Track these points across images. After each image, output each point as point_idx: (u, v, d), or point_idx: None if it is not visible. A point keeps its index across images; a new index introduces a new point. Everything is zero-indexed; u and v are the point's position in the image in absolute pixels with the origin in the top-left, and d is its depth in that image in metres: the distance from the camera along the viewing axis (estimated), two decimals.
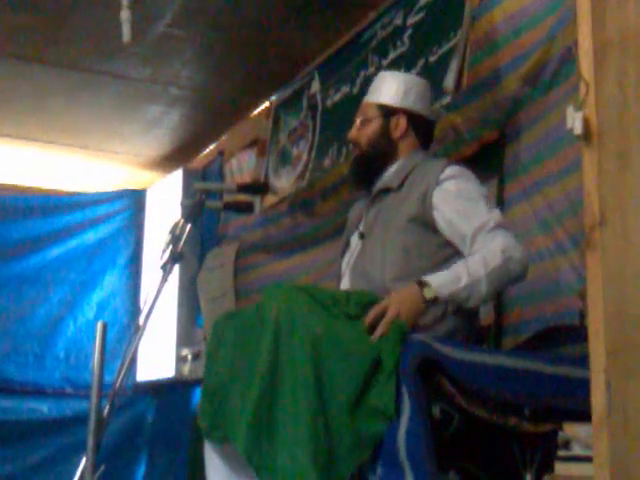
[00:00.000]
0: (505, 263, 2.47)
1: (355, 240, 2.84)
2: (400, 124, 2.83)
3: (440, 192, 2.63)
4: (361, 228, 2.82)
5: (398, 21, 3.82)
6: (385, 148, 2.83)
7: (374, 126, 2.84)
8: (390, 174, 2.80)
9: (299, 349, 2.26)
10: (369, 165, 2.86)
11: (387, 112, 2.83)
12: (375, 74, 3.79)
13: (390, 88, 2.85)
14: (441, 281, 2.45)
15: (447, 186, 2.64)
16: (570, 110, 1.89)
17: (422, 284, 2.43)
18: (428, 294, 2.42)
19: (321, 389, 2.23)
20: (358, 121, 2.89)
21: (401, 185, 2.73)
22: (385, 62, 3.86)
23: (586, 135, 1.87)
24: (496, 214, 2.59)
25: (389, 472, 2.19)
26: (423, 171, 2.70)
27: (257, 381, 2.27)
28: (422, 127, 2.88)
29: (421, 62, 3.56)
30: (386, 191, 2.78)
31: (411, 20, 3.72)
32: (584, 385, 1.85)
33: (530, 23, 3.19)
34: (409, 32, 3.72)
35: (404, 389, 2.22)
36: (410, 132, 2.84)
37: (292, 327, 2.28)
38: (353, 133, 2.90)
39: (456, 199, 2.62)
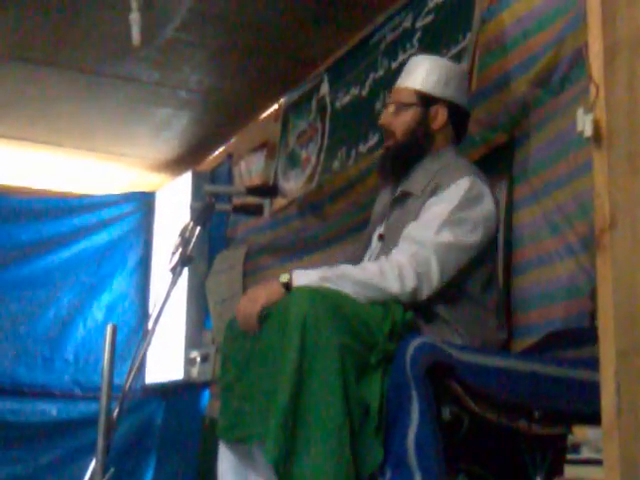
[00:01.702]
0: (379, 286, 2.42)
1: (375, 240, 2.79)
2: (440, 115, 2.70)
3: (433, 198, 2.58)
4: (382, 230, 2.76)
5: (407, 24, 3.82)
6: (422, 139, 2.70)
7: (413, 114, 2.70)
8: (415, 175, 2.68)
9: (328, 357, 2.25)
10: (402, 156, 2.71)
11: (427, 101, 2.70)
12: (384, 77, 3.82)
13: (430, 74, 2.71)
14: (304, 271, 2.47)
15: (441, 192, 2.57)
16: (580, 112, 1.89)
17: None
18: (283, 278, 2.44)
19: (347, 398, 2.23)
20: (392, 107, 2.74)
21: (422, 191, 2.63)
22: (394, 64, 3.86)
23: (596, 137, 1.87)
24: (439, 238, 2.48)
25: (398, 475, 2.19)
26: (444, 178, 2.59)
27: (284, 387, 2.24)
28: (460, 119, 2.77)
29: None
30: (408, 194, 2.68)
31: (420, 23, 3.71)
32: (594, 387, 1.84)
33: (539, 25, 3.19)
34: (418, 35, 3.71)
35: (413, 392, 2.22)
36: (448, 124, 2.73)
37: (319, 334, 2.26)
38: (387, 119, 2.74)
39: (432, 205, 2.56)
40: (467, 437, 2.33)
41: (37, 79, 5.13)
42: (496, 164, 3.36)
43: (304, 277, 2.45)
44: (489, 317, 2.63)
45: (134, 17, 4.15)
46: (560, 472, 2.29)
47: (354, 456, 2.21)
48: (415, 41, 3.72)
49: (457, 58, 3.34)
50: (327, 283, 2.41)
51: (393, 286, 2.42)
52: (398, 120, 2.72)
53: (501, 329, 2.68)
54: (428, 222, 2.53)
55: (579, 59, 2.91)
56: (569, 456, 2.28)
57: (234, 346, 2.57)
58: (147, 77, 5.09)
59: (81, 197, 6.56)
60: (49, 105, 5.47)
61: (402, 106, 2.72)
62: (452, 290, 2.55)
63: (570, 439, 2.30)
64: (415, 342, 2.30)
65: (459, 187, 2.55)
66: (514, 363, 2.47)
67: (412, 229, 2.55)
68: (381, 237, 2.74)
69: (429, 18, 3.65)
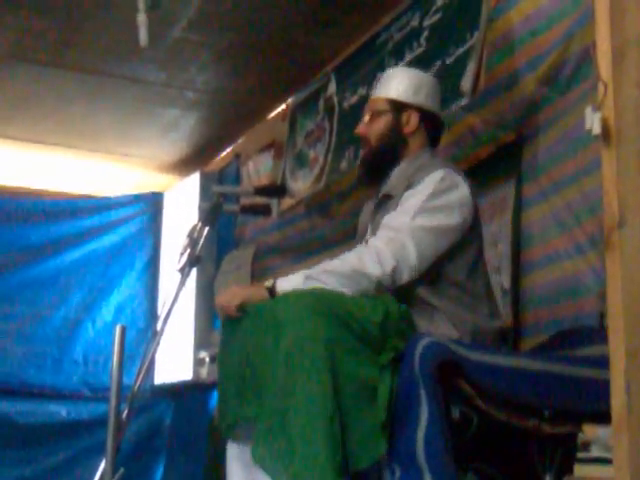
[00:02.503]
0: (361, 272, 2.46)
1: None
2: (411, 120, 2.78)
3: (408, 191, 2.64)
4: (368, 235, 2.80)
5: (415, 23, 3.81)
6: (395, 143, 2.78)
7: (385, 120, 2.80)
8: (394, 177, 2.76)
9: (315, 352, 2.26)
10: (378, 162, 2.80)
11: (398, 107, 2.79)
12: None
13: (400, 83, 2.81)
14: (287, 277, 2.51)
15: (416, 186, 2.62)
16: (589, 111, 1.89)
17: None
18: (267, 283, 2.49)
19: (337, 388, 2.24)
20: (367, 117, 2.84)
21: (402, 191, 2.68)
22: (402, 64, 3.85)
23: (605, 135, 1.87)
24: (415, 223, 2.54)
25: (408, 474, 2.20)
26: (419, 175, 2.66)
27: (271, 386, 2.28)
28: (432, 124, 2.84)
29: (438, 64, 3.54)
30: (388, 197, 2.74)
31: (428, 22, 3.71)
32: (604, 386, 1.84)
33: (547, 24, 3.18)
34: (426, 34, 3.71)
35: (422, 391, 2.22)
36: (421, 129, 2.80)
37: (304, 330, 2.29)
38: (362, 128, 2.85)
39: (407, 198, 2.61)
40: (476, 436, 2.33)
41: (45, 80, 5.14)
42: (504, 163, 3.36)
43: (288, 282, 2.49)
44: (478, 304, 2.65)
45: (141, 18, 4.15)
46: (570, 471, 2.29)
47: (351, 448, 2.22)
48: (422, 40, 3.72)
49: (464, 57, 3.34)
50: (311, 281, 2.45)
51: (374, 270, 2.46)
52: (372, 127, 2.82)
53: (494, 316, 2.70)
54: (404, 211, 2.59)
55: (587, 57, 2.91)
56: (579, 455, 2.28)
57: (227, 348, 2.58)
58: (154, 78, 5.10)
59: (89, 198, 6.57)
60: (57, 106, 5.48)
61: (375, 115, 2.82)
62: (437, 277, 2.59)
63: (580, 438, 2.30)
64: (424, 341, 2.31)
65: (432, 178, 2.62)
66: (524, 362, 2.47)
67: (387, 219, 2.62)
68: (367, 242, 2.75)
69: (437, 17, 3.65)
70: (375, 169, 2.82)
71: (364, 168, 2.88)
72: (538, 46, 3.20)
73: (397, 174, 2.76)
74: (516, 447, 2.46)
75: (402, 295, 2.51)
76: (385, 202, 2.75)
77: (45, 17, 4.42)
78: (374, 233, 2.70)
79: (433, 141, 2.86)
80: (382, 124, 2.80)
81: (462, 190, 2.63)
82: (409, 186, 2.64)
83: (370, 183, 2.89)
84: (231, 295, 2.50)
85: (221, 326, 2.65)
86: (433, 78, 2.96)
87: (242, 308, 2.46)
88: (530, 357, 2.61)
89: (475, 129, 3.46)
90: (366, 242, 2.69)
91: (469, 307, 2.61)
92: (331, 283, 2.44)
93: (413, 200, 2.59)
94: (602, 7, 1.92)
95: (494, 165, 3.42)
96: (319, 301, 2.35)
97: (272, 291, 2.46)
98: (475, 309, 2.63)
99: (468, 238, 2.65)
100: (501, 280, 3.27)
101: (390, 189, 2.74)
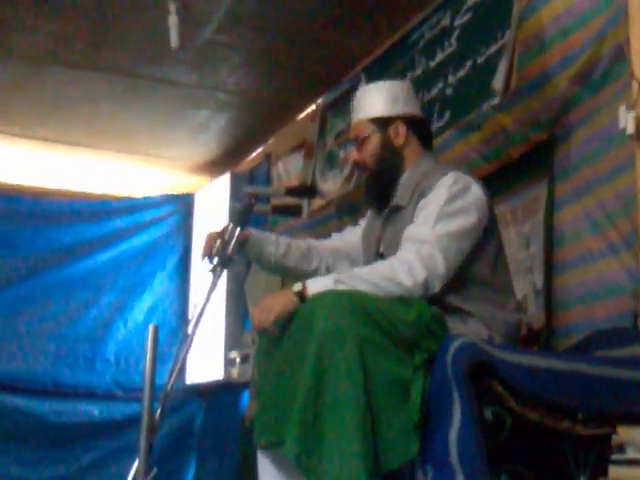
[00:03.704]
0: (393, 281, 2.46)
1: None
2: (400, 131, 2.77)
3: (422, 200, 2.63)
4: (381, 249, 2.78)
5: (446, 22, 3.80)
6: (392, 160, 2.77)
7: (374, 141, 2.78)
8: (401, 188, 2.75)
9: (346, 350, 2.26)
10: (382, 182, 2.78)
11: (382, 123, 2.78)
12: (422, 76, 3.81)
13: (376, 100, 2.79)
14: (317, 279, 2.51)
15: (428, 193, 2.62)
16: (622, 109, 1.88)
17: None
18: (296, 288, 2.46)
19: (368, 387, 2.24)
20: (354, 145, 2.83)
21: (410, 200, 2.68)
22: (432, 63, 3.84)
23: (638, 134, 1.86)
24: (437, 230, 2.53)
25: (440, 474, 2.19)
26: (428, 182, 2.65)
27: (303, 385, 2.28)
28: (420, 127, 2.84)
29: (469, 63, 3.53)
30: (398, 208, 2.73)
31: (459, 21, 3.69)
32: (639, 387, 1.83)
33: (579, 22, 3.16)
34: (457, 33, 3.69)
35: (455, 392, 2.22)
36: (411, 136, 2.79)
37: (337, 328, 2.28)
38: (354, 156, 2.84)
39: (423, 207, 2.61)
40: (509, 437, 2.32)
41: (76, 82, 5.18)
42: (537, 162, 3.34)
43: (317, 284, 2.48)
44: (504, 298, 2.65)
45: (172, 20, 4.18)
46: (604, 473, 2.27)
47: (382, 447, 2.22)
48: (453, 40, 3.70)
49: (496, 56, 3.33)
50: (341, 285, 2.44)
51: (405, 280, 2.46)
52: (364, 152, 2.80)
53: (517, 309, 2.70)
54: (423, 220, 2.58)
55: (620, 55, 2.89)
56: (613, 456, 2.26)
57: (264, 354, 2.61)
58: (185, 79, 5.12)
59: (121, 199, 6.61)
60: (88, 108, 5.52)
61: (363, 139, 2.80)
62: (463, 280, 2.58)
63: (614, 439, 2.27)
64: (456, 342, 2.30)
65: (444, 184, 2.61)
66: (557, 363, 2.45)
67: (410, 230, 2.60)
68: (381, 255, 2.75)
69: (468, 16, 3.63)
70: (380, 189, 2.80)
71: (371, 191, 2.84)
72: (570, 45, 3.18)
73: (403, 184, 2.75)
74: (550, 449, 2.44)
75: (433, 305, 2.49)
76: (395, 213, 2.74)
77: (77, 20, 4.45)
78: (389, 246, 2.70)
79: (426, 143, 2.85)
80: (373, 145, 2.78)
81: (475, 190, 2.63)
82: (421, 195, 2.64)
83: (379, 203, 2.85)
84: (266, 311, 2.47)
85: (257, 338, 2.65)
86: (403, 82, 2.97)
87: (279, 322, 2.46)
88: (564, 358, 2.59)
89: (507, 129, 3.45)
90: (380, 257, 2.70)
91: (497, 304, 2.62)
92: (361, 287, 2.44)
93: (430, 208, 2.58)
94: (635, 5, 1.90)
95: (526, 165, 3.41)
96: (352, 300, 2.35)
97: (302, 295, 2.46)
98: (503, 305, 2.63)
99: (487, 235, 2.65)
100: (534, 280, 3.26)
101: (399, 200, 2.73)
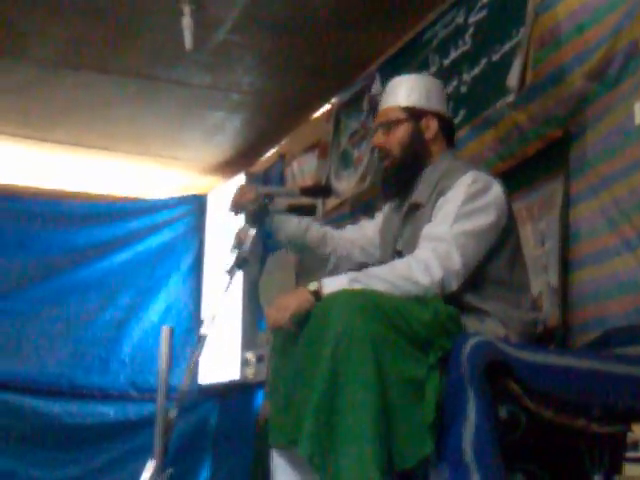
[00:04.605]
0: (410, 280, 2.45)
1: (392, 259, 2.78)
2: (431, 126, 2.76)
3: (441, 199, 2.62)
4: (398, 247, 2.77)
5: (460, 20, 3.79)
6: (419, 152, 2.75)
7: (405, 129, 2.75)
8: (420, 187, 2.72)
9: (361, 347, 2.26)
10: (405, 172, 2.76)
11: (415, 114, 2.76)
12: (437, 74, 3.80)
13: (412, 90, 2.77)
14: (333, 278, 2.49)
15: (447, 192, 2.61)
16: (638, 106, 1.86)
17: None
18: (312, 287, 2.45)
19: (383, 386, 2.24)
20: (381, 129, 2.78)
21: (429, 199, 2.67)
22: (446, 62, 3.83)
23: None
24: (455, 229, 2.52)
25: (456, 473, 2.19)
26: (447, 181, 2.63)
27: (318, 384, 2.28)
28: (447, 127, 2.83)
29: (484, 61, 3.52)
30: (417, 206, 2.71)
31: (473, 18, 3.68)
32: None
33: (594, 18, 3.15)
34: (471, 31, 3.69)
35: (470, 391, 2.21)
36: (439, 133, 2.78)
37: (351, 326, 2.28)
38: (380, 140, 2.79)
39: (442, 206, 2.60)
40: (525, 436, 2.31)
41: (91, 85, 5.19)
42: (552, 159, 3.33)
43: (334, 283, 2.46)
44: (520, 297, 2.64)
45: (186, 22, 4.18)
46: (619, 470, 2.26)
47: (397, 446, 2.22)
48: (468, 37, 3.70)
49: (510, 53, 3.32)
50: (357, 284, 2.43)
51: (422, 279, 2.45)
52: (391, 138, 2.77)
53: (533, 308, 2.70)
54: (442, 219, 2.57)
55: (636, 52, 2.88)
56: (628, 454, 2.24)
57: (279, 354, 2.60)
58: (199, 80, 5.12)
59: (135, 201, 6.64)
60: (103, 110, 5.54)
61: (392, 124, 2.77)
62: (480, 279, 2.57)
63: (630, 437, 2.26)
64: (472, 341, 2.30)
65: (463, 183, 2.59)
66: (572, 360, 2.45)
67: (428, 229, 2.59)
68: (399, 253, 2.75)
69: (482, 14, 3.62)
70: (402, 180, 2.77)
71: (389, 180, 2.81)
72: (585, 41, 3.17)
73: (424, 181, 2.73)
74: (565, 447, 2.43)
75: (450, 304, 2.48)
76: (414, 211, 2.73)
77: (91, 23, 4.46)
78: (407, 244, 2.69)
79: (450, 144, 2.85)
80: (403, 133, 2.76)
81: (495, 189, 2.62)
82: (440, 193, 2.62)
83: (395, 195, 2.84)
84: (282, 309, 2.45)
85: (272, 337, 2.65)
86: (437, 80, 2.95)
87: (295, 321, 2.44)
88: (579, 355, 2.58)
89: (522, 126, 3.43)
90: (398, 255, 2.69)
91: (514, 303, 2.61)
92: (378, 286, 2.43)
93: (449, 207, 2.57)
94: None
95: (541, 162, 3.39)
96: (367, 299, 2.34)
97: (318, 294, 2.45)
98: (519, 304, 2.62)
99: (505, 234, 2.64)
100: (549, 278, 3.24)
101: (417, 198, 2.72)
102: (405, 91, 2.79)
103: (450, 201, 2.58)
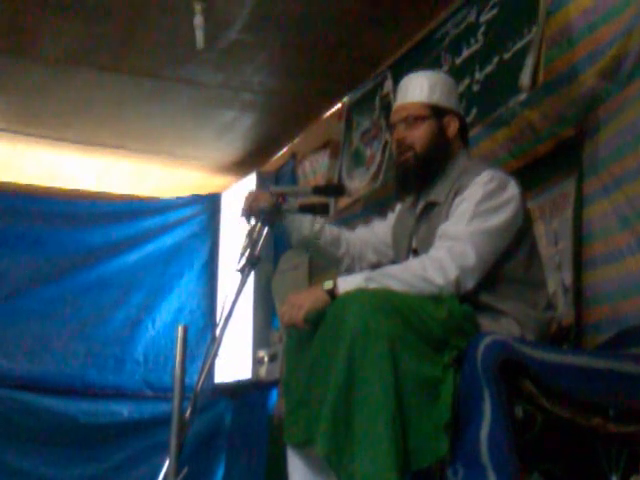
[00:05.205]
0: (424, 279, 2.46)
1: (409, 257, 2.78)
2: (452, 125, 2.75)
3: (457, 198, 2.62)
4: (414, 245, 2.77)
5: (471, 18, 3.78)
6: (441, 150, 2.73)
7: (429, 126, 2.73)
8: (437, 185, 2.71)
9: (377, 346, 2.27)
10: (426, 169, 2.73)
11: (439, 112, 2.74)
12: (448, 73, 3.79)
13: (435, 87, 2.76)
14: (348, 277, 2.50)
15: (464, 191, 2.61)
16: None
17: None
18: (327, 285, 2.45)
19: (399, 386, 2.25)
20: (402, 123, 2.75)
21: (446, 198, 2.66)
22: (458, 60, 3.83)
23: None
24: (471, 228, 2.52)
25: (471, 473, 2.19)
26: (464, 180, 2.63)
27: (334, 383, 2.29)
28: (464, 127, 2.84)
29: (495, 59, 3.52)
30: (433, 204, 2.71)
31: (485, 17, 3.68)
32: None
33: (606, 17, 3.14)
34: (483, 29, 3.68)
35: (486, 390, 2.22)
36: (458, 133, 2.78)
37: (367, 326, 2.29)
38: (402, 134, 2.75)
39: (458, 205, 2.60)
40: (540, 435, 2.31)
41: (103, 85, 5.20)
42: (564, 158, 3.32)
43: (349, 282, 2.47)
44: (536, 296, 2.63)
45: (197, 21, 4.19)
46: (637, 471, 2.26)
47: (412, 446, 2.22)
48: (479, 35, 3.69)
49: (522, 52, 3.31)
50: (372, 283, 2.44)
51: (437, 278, 2.45)
52: (414, 133, 2.74)
53: (549, 307, 2.68)
54: (458, 218, 2.57)
55: None
56: None
57: (294, 353, 2.61)
58: (211, 80, 5.13)
59: (148, 200, 6.64)
60: (114, 109, 5.55)
61: (415, 119, 2.74)
62: (496, 278, 2.57)
63: None
64: (486, 340, 2.30)
65: (480, 182, 2.60)
66: (588, 360, 2.44)
67: (444, 228, 2.59)
68: (415, 251, 2.75)
69: (494, 12, 3.62)
70: (421, 177, 2.74)
71: (410, 175, 2.76)
72: (597, 40, 3.16)
73: (440, 180, 2.72)
74: (581, 447, 2.43)
75: (465, 303, 2.49)
76: (430, 209, 2.72)
77: (102, 22, 4.47)
78: (423, 242, 2.69)
79: (465, 144, 2.85)
80: (427, 129, 2.73)
81: (511, 188, 2.62)
82: (457, 192, 2.63)
83: (412, 191, 2.82)
84: (297, 307, 2.45)
85: (286, 336, 2.65)
86: (453, 80, 2.94)
87: (309, 319, 2.45)
88: (594, 355, 2.58)
89: (534, 125, 3.42)
90: (414, 253, 2.69)
91: (530, 302, 2.61)
92: (393, 286, 2.43)
93: (465, 205, 2.58)
94: None
95: (554, 161, 3.39)
96: (382, 298, 2.35)
97: (333, 293, 2.45)
98: (535, 303, 2.62)
99: (521, 233, 2.63)
100: (562, 277, 3.24)
101: (434, 197, 2.71)
102: (428, 88, 2.76)
103: (466, 200, 2.58)
